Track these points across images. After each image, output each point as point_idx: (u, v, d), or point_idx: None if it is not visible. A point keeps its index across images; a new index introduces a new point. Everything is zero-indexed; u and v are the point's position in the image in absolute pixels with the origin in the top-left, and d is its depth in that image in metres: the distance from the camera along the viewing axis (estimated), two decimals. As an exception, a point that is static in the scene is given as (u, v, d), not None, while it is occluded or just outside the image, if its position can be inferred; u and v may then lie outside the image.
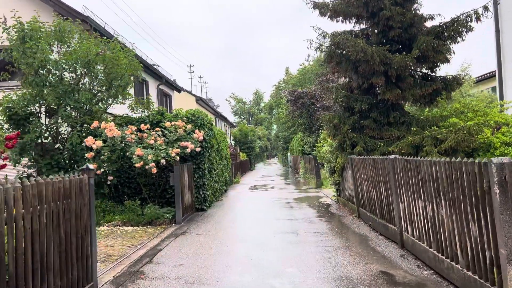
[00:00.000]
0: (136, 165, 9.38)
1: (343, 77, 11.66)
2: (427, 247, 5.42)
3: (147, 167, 9.47)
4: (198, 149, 10.79)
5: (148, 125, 10.50)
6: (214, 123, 37.70)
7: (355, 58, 9.57)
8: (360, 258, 6.21)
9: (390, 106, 10.53)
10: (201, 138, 10.82)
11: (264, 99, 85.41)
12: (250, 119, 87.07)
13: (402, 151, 9.27)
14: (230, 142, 43.05)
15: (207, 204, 12.15)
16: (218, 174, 14.88)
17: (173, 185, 10.16)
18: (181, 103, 23.97)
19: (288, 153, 41.14)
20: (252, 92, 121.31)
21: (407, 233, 6.31)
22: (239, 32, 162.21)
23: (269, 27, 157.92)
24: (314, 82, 28.57)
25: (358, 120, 10.48)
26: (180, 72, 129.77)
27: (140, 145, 9.95)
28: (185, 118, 11.25)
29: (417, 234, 5.84)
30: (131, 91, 16.95)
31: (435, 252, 5.16)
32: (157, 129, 10.65)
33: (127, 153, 9.74)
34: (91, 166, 5.18)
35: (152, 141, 10.05)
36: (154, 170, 9.52)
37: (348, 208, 10.87)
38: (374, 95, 11.07)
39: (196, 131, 10.90)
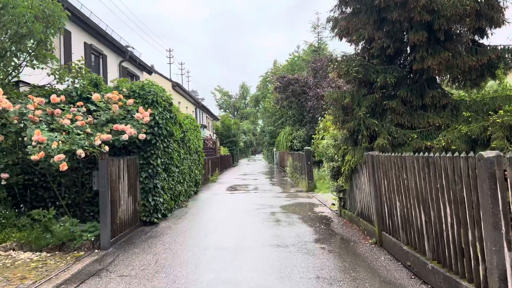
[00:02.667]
0: (32, 157, 5.86)
1: (354, 45, 8.26)
2: None
3: (51, 160, 5.97)
4: (143, 135, 7.28)
5: (63, 97, 6.92)
6: (194, 115, 34.13)
7: (383, 1, 6.22)
8: None
9: (424, 81, 7.26)
10: (147, 119, 7.28)
11: (250, 92, 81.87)
12: (235, 113, 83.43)
13: (452, 147, 5.99)
14: (212, 135, 39.48)
15: (160, 215, 8.63)
16: (183, 172, 11.37)
17: (97, 189, 6.64)
18: (152, 87, 20.27)
19: (274, 149, 37.70)
20: (238, 85, 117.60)
21: (525, 314, 2.99)
22: (230, 29, 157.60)
23: (261, 27, 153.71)
24: (306, 69, 25.23)
25: (380, 101, 7.16)
26: (165, 65, 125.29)
27: (46, 125, 6.41)
28: (125, 89, 7.70)
29: None
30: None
31: None
32: (79, 103, 7.11)
33: (25, 138, 6.22)
34: None
35: (67, 121, 6.51)
36: (64, 166, 6.00)
37: (361, 228, 7.53)
38: (402, 65, 7.78)
39: (141, 109, 7.35)
